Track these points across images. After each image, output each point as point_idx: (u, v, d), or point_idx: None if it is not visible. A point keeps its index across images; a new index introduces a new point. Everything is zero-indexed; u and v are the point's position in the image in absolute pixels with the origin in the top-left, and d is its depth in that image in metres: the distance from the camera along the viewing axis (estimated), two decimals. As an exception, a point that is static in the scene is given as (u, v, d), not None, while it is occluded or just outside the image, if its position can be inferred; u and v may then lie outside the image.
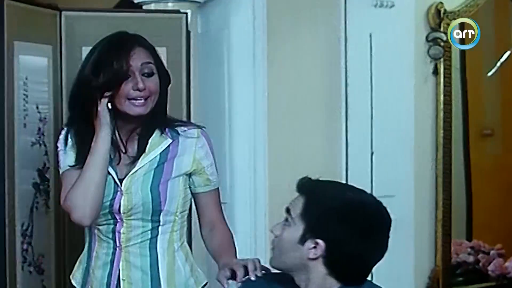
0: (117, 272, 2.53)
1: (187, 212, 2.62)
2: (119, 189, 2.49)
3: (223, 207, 3.74)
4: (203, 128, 2.62)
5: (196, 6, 3.72)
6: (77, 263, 2.68)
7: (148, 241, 2.53)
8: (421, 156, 4.38)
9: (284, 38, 3.81)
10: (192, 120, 3.41)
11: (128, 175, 2.50)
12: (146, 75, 2.47)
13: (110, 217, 2.51)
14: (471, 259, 4.93)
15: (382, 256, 2.12)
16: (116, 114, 2.46)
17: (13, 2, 2.96)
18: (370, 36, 4.00)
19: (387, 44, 4.03)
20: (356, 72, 3.97)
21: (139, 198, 2.49)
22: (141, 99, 2.45)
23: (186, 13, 3.44)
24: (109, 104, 2.43)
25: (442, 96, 4.49)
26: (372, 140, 4.02)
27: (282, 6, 3.79)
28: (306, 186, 2.17)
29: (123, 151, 2.51)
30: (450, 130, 4.54)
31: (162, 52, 3.32)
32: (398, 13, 4.06)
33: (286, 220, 2.15)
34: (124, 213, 2.49)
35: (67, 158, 2.51)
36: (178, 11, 3.46)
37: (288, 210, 2.16)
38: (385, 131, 4.05)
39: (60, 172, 2.54)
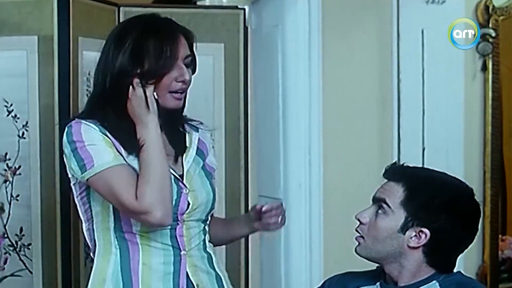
0: (184, 280, 2.30)
1: None
2: (183, 187, 2.30)
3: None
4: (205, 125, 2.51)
5: (250, 2, 3.72)
6: (97, 284, 2.31)
7: (202, 242, 2.37)
8: (470, 152, 4.37)
9: (338, 35, 3.80)
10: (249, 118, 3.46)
11: (185, 172, 2.32)
12: (186, 66, 2.29)
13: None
14: (515, 255, 4.92)
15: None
16: None
17: (77, -3, 3.00)
18: (422, 32, 3.98)
19: (438, 40, 4.01)
20: (409, 68, 3.95)
21: (204, 196, 2.35)
22: (182, 92, 2.29)
23: (244, 9, 3.44)
24: (155, 94, 2.23)
25: (490, 92, 4.48)
26: (424, 135, 4.01)
27: (336, 3, 3.79)
28: (403, 174, 2.14)
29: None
30: (499, 127, 4.52)
31: (219, 48, 3.38)
32: (449, 9, 4.04)
33: (379, 208, 2.11)
34: (188, 213, 2.30)
35: (105, 154, 2.20)
36: (236, 7, 3.46)
37: (380, 199, 2.12)
38: (436, 127, 4.04)
39: (95, 170, 2.18)
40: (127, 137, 2.23)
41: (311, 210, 3.71)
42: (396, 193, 2.10)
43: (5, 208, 3.08)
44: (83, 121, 2.24)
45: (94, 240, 2.34)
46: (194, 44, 2.34)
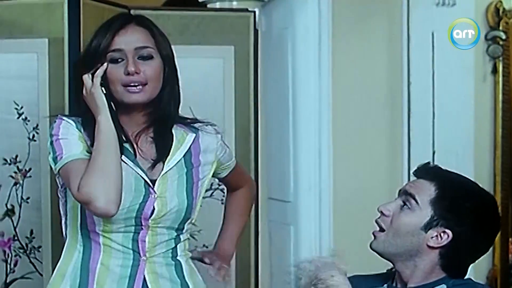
0: (139, 286, 2.27)
1: None
2: (151, 192, 2.25)
3: (286, 206, 3.82)
4: (215, 126, 2.44)
5: (260, 5, 3.72)
6: (57, 277, 2.34)
7: (171, 250, 2.32)
8: (480, 155, 4.36)
9: (348, 37, 3.81)
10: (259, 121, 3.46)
11: (160, 176, 2.27)
12: (141, 58, 2.23)
13: (133, 223, 2.25)
14: (524, 259, 4.89)
15: None
16: (117, 105, 2.23)
17: (88, 0, 3.00)
18: (432, 34, 3.98)
19: (448, 42, 4.00)
20: (419, 70, 3.95)
21: (175, 204, 2.28)
22: (136, 85, 2.22)
23: (254, 12, 3.44)
24: (103, 89, 2.19)
25: (501, 95, 4.46)
26: (434, 139, 4.00)
27: (346, 5, 3.79)
28: (437, 173, 2.14)
29: (124, 140, 2.25)
30: (509, 129, 4.50)
31: (229, 50, 3.38)
32: (459, 12, 4.03)
33: (405, 203, 2.12)
34: (154, 219, 2.25)
35: (74, 147, 2.21)
36: (246, 10, 3.46)
37: (409, 194, 2.12)
38: (446, 130, 4.03)
39: (62, 162, 2.20)
40: (93, 133, 2.22)
41: (321, 212, 3.71)
42: (427, 191, 2.10)
43: (15, 211, 3.09)
44: (65, 117, 2.27)
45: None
46: (157, 33, 2.32)
